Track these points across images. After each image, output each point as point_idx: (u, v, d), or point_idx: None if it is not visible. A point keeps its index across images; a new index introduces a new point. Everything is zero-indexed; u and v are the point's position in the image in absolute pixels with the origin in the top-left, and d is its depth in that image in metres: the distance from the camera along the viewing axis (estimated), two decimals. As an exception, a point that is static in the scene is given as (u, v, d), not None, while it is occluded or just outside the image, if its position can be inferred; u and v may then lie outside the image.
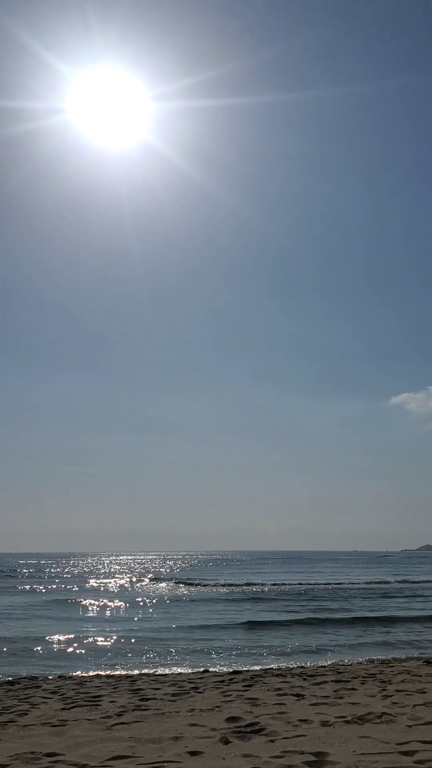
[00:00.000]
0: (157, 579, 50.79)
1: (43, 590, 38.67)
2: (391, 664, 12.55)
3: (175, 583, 46.25)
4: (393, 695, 8.91)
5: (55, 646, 16.41)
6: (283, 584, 43.03)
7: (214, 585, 42.93)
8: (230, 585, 42.56)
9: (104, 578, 54.41)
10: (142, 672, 12.36)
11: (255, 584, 43.04)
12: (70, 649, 15.85)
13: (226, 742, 6.51)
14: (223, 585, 42.74)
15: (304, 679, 10.60)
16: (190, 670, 12.43)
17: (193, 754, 6.08)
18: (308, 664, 13.26)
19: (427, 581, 46.78)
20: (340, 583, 44.63)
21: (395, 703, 8.33)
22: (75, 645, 16.45)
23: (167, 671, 12.50)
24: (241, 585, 42.20)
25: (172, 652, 15.35)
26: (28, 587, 41.29)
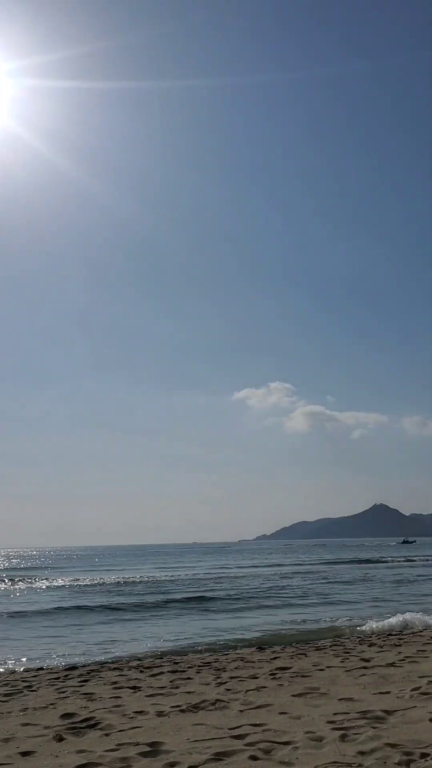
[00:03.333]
0: None
1: None
2: (225, 653, 12.93)
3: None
4: (227, 682, 9.20)
5: None
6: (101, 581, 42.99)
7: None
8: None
9: None
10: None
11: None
12: None
13: (60, 739, 6.38)
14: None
15: (141, 671, 10.65)
16: (23, 668, 12.03)
17: (24, 754, 5.90)
18: (144, 656, 13.32)
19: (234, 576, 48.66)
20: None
21: (229, 690, 8.61)
22: None
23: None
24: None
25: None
26: None
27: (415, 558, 69.46)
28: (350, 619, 18.06)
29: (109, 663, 12.11)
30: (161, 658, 12.50)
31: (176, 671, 10.47)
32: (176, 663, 11.50)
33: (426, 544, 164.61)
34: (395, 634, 14.59)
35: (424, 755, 5.31)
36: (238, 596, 27.49)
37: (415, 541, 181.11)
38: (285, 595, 28.06)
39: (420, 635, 14.04)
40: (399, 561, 63.44)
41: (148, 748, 5.87)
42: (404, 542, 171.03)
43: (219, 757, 5.54)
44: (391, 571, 44.77)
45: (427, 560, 64.25)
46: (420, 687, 8.10)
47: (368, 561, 65.51)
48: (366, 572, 44.96)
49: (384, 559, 69.33)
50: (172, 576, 45.14)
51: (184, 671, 10.45)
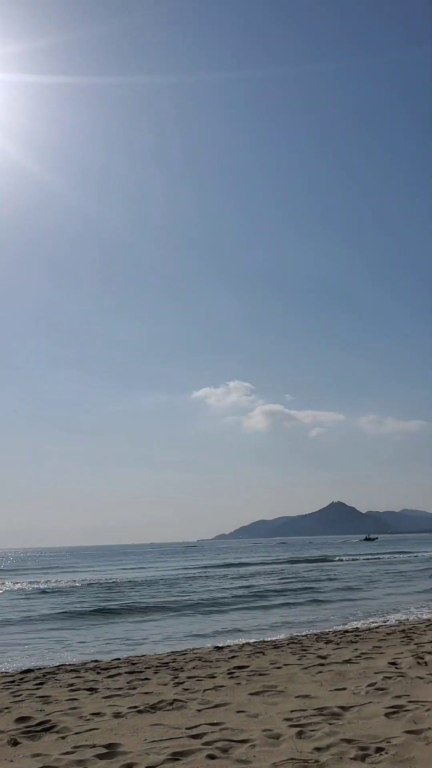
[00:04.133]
0: None
1: None
2: (183, 652, 12.91)
3: None
4: (185, 682, 9.19)
5: None
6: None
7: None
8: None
9: None
10: None
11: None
12: None
13: (15, 743, 6.27)
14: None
15: (98, 673, 10.56)
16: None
17: (-22, 759, 5.78)
18: (103, 657, 13.22)
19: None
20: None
21: (186, 690, 8.60)
22: None
23: None
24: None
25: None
26: None
27: (383, 555, 70.59)
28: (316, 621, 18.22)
29: (65, 665, 11.97)
30: (119, 659, 12.43)
31: (134, 672, 10.41)
32: (134, 664, 11.44)
33: (387, 541, 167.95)
34: (351, 631, 14.78)
35: (379, 750, 5.38)
36: (204, 600, 27.41)
37: (377, 538, 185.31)
38: (255, 595, 28.12)
39: (376, 632, 14.24)
40: (366, 558, 64.35)
41: (104, 750, 5.82)
42: (366, 539, 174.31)
43: (176, 757, 5.52)
44: (359, 569, 45.29)
45: (385, 557, 65.28)
46: (375, 683, 8.22)
47: (332, 559, 66.27)
48: (333, 569, 45.46)
49: (352, 556, 70.35)
50: (133, 577, 44.90)
51: (141, 672, 10.40)
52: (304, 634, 15.10)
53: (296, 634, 15.17)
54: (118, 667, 11.18)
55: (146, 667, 10.86)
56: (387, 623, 16.36)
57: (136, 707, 7.61)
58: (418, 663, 9.50)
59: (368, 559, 63.40)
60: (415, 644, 11.54)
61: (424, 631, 13.57)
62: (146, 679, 9.69)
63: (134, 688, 8.92)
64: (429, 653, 10.30)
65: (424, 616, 17.70)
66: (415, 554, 71.29)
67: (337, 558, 67.65)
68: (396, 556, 68.02)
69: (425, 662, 9.51)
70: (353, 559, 63.39)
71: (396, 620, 17.03)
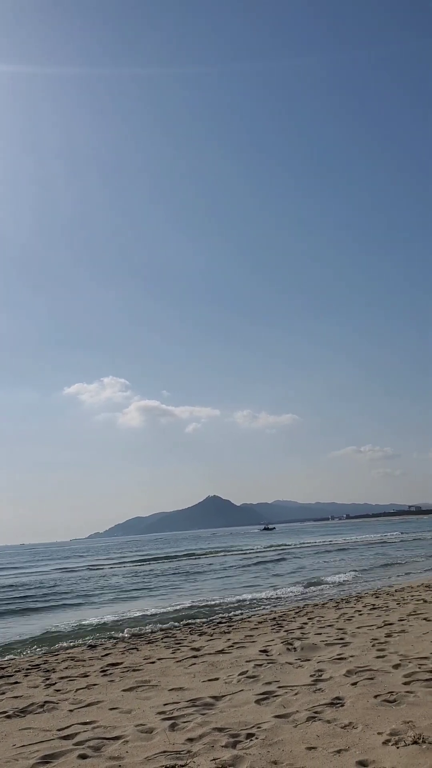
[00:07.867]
0: None
1: None
2: (56, 653, 12.63)
3: None
4: (57, 683, 8.99)
5: None
6: None
7: None
8: None
9: None
10: None
11: None
12: None
13: None
14: None
15: (-36, 680, 10.09)
16: None
17: None
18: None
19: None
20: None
21: (58, 690, 8.42)
22: None
23: None
24: None
25: None
26: None
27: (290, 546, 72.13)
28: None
29: None
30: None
31: (2, 677, 10.05)
32: (2, 668, 11.04)
33: (291, 530, 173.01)
34: (224, 622, 15.07)
35: (249, 735, 5.53)
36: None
37: (274, 528, 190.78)
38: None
39: (248, 621, 14.60)
40: (281, 548, 65.23)
41: (-31, 760, 5.58)
42: (265, 529, 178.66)
43: (47, 760, 5.39)
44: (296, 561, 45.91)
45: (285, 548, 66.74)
46: (247, 671, 8.43)
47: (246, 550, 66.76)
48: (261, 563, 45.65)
49: (270, 546, 71.10)
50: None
51: (10, 676, 10.06)
52: (178, 627, 15.21)
53: (172, 626, 15.25)
54: (-15, 672, 10.74)
55: (16, 671, 10.52)
56: (259, 612, 16.82)
57: (4, 712, 7.36)
58: (288, 649, 9.85)
59: (276, 549, 64.67)
60: (285, 631, 11.96)
61: (294, 618, 14.08)
62: (16, 682, 9.39)
63: (3, 693, 8.62)
64: (298, 639, 10.71)
65: (293, 604, 18.37)
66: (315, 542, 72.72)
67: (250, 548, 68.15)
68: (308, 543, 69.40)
69: (294, 648, 9.89)
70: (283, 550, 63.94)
71: (268, 609, 17.54)
